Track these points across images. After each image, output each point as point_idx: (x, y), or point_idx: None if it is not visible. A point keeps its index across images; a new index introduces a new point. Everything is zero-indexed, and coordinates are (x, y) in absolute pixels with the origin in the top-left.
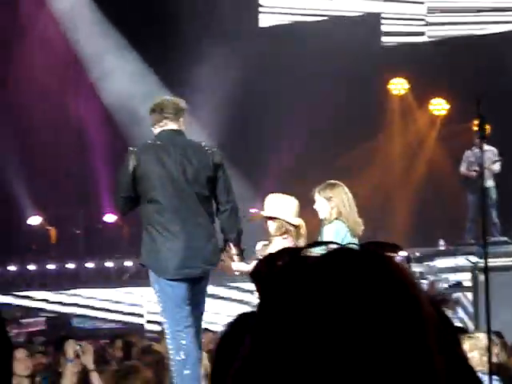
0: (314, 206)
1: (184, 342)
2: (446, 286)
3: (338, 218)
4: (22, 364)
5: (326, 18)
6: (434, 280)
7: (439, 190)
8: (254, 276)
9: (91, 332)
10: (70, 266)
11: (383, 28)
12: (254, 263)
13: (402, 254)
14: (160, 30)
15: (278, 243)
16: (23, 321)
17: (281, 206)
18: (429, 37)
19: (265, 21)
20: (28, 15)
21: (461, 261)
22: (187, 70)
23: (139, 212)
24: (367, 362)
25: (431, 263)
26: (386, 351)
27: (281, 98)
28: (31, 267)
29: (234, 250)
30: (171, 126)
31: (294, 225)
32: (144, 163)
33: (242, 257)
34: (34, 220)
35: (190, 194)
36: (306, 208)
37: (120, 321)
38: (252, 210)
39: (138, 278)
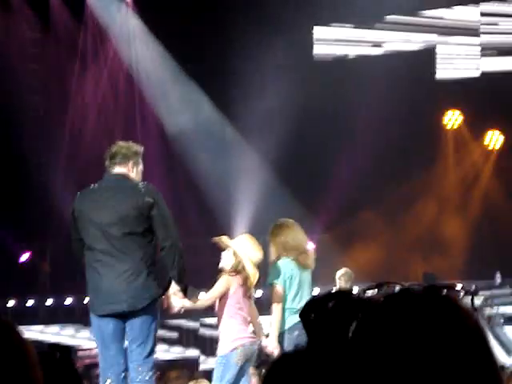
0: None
1: (109, 381)
2: (502, 320)
3: (287, 255)
4: None
5: (380, 51)
6: (491, 314)
7: (495, 222)
8: (303, 316)
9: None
10: None
11: (438, 61)
12: (201, 300)
13: (468, 287)
14: (213, 65)
15: (225, 279)
16: (80, 353)
17: (248, 249)
18: (483, 70)
19: (319, 53)
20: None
21: None
22: (244, 105)
23: None
24: None
25: (488, 296)
26: None
27: (335, 132)
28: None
29: (176, 287)
30: (118, 169)
31: (246, 271)
32: (78, 206)
33: (185, 294)
34: None
35: (117, 235)
36: (358, 242)
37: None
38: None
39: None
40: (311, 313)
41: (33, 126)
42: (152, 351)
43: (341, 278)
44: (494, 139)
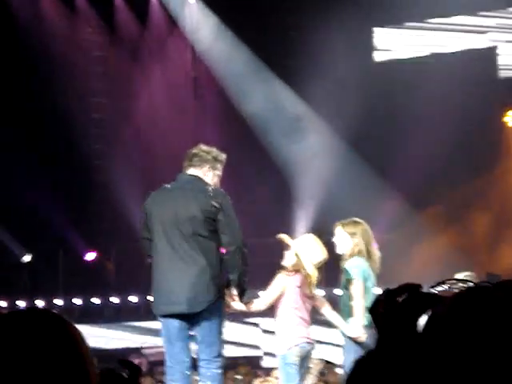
0: (334, 239)
1: (170, 378)
2: None
3: (359, 255)
4: None
5: (442, 51)
6: None
7: None
8: (372, 311)
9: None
10: None
11: (500, 60)
12: (256, 304)
13: None
14: (279, 68)
15: (281, 279)
16: (144, 351)
17: (310, 249)
18: None
19: (379, 57)
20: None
21: None
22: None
23: None
24: None
25: None
26: None
27: (396, 132)
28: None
29: (234, 291)
30: (192, 171)
31: (306, 270)
32: (149, 205)
33: (242, 297)
34: None
35: (183, 236)
36: (421, 241)
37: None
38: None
39: None
40: (380, 307)
41: (98, 128)
42: (221, 351)
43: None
44: None
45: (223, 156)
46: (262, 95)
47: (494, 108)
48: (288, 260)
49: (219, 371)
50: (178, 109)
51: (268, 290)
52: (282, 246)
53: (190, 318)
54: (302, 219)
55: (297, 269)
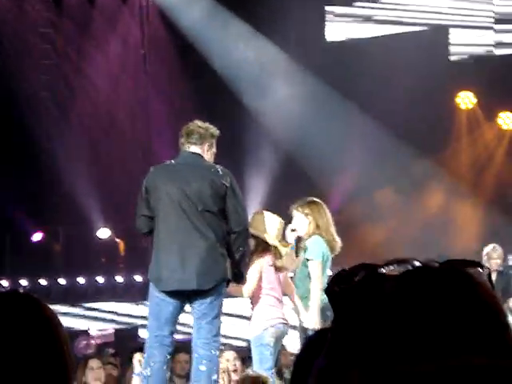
0: (292, 224)
1: (152, 360)
2: None
3: (316, 233)
4: (95, 374)
5: (392, 32)
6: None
7: (508, 204)
8: (328, 291)
9: None
10: (138, 278)
11: (451, 41)
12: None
13: (485, 269)
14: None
15: (255, 264)
16: (92, 333)
17: (263, 224)
18: (496, 46)
19: (331, 34)
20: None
21: None
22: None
23: None
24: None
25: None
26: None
27: (343, 113)
28: (100, 279)
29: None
30: (193, 149)
31: (270, 245)
32: (153, 181)
33: (240, 279)
34: (103, 233)
35: (194, 211)
36: (370, 222)
37: (187, 333)
38: None
39: None
40: (336, 287)
41: (47, 108)
42: (219, 330)
43: (492, 255)
44: (507, 121)
45: (218, 131)
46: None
47: (445, 89)
48: (251, 245)
49: (217, 353)
50: (128, 86)
51: (248, 276)
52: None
53: (196, 295)
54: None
55: (263, 248)
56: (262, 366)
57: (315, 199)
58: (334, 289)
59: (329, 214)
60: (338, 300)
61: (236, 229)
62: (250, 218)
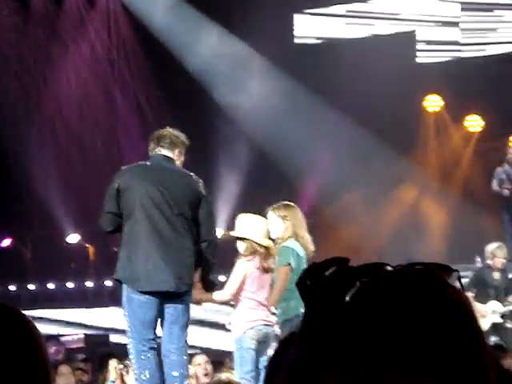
0: (269, 225)
1: (148, 362)
2: None
3: (292, 237)
4: (66, 380)
5: (361, 36)
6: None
7: (476, 206)
8: (299, 285)
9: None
10: (108, 283)
11: (418, 46)
12: (219, 294)
13: (455, 273)
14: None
15: (241, 265)
16: (62, 338)
17: (251, 227)
18: (463, 53)
19: (300, 37)
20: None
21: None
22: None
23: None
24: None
25: (467, 280)
26: (445, 366)
27: (314, 115)
28: (70, 285)
29: (200, 282)
30: (165, 153)
31: (263, 246)
32: (127, 181)
33: (211, 289)
34: (73, 238)
35: (170, 215)
36: (339, 227)
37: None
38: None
39: None
40: (307, 281)
41: (11, 112)
42: (186, 336)
43: (497, 253)
44: (474, 123)
45: (188, 141)
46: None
47: (413, 93)
48: (241, 248)
49: (187, 358)
50: (97, 89)
51: (230, 278)
52: (231, 241)
53: (170, 299)
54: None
55: (253, 251)
56: (241, 368)
57: (291, 203)
58: (304, 282)
59: (303, 219)
60: (308, 293)
61: (208, 237)
62: (237, 223)
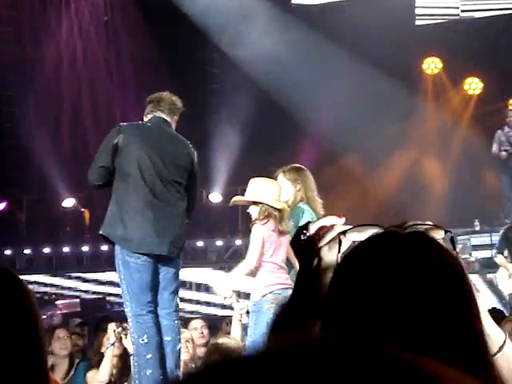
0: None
1: (146, 326)
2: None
3: (303, 201)
4: (62, 344)
5: None
6: (469, 260)
7: (474, 169)
8: (293, 243)
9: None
10: (104, 247)
11: (417, 6)
12: (243, 267)
13: (448, 234)
14: None
15: (258, 230)
16: (58, 302)
17: (263, 190)
18: (462, 14)
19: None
20: None
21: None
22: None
23: (113, 184)
24: (417, 336)
25: (466, 243)
26: (435, 323)
27: (311, 76)
28: (66, 249)
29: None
30: (164, 116)
31: (277, 208)
32: (126, 139)
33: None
34: (68, 202)
35: (167, 179)
36: (337, 189)
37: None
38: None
39: None
40: (302, 237)
41: (5, 75)
42: (177, 301)
43: None
44: (473, 86)
45: (183, 109)
46: None
47: (411, 55)
48: (254, 213)
49: (179, 322)
50: (91, 55)
51: (251, 245)
52: (242, 207)
53: (163, 264)
54: None
55: (267, 214)
56: (255, 330)
57: (301, 166)
58: (299, 239)
59: (314, 182)
60: (302, 250)
61: (191, 210)
62: (249, 185)
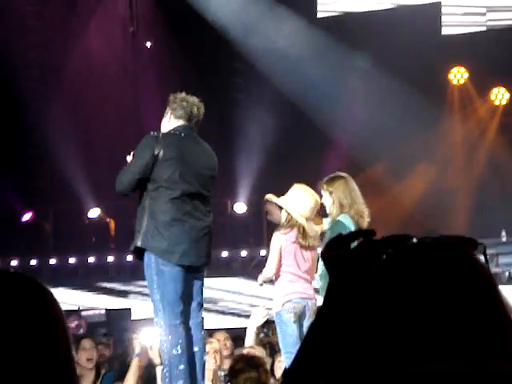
0: (322, 201)
1: (180, 337)
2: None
3: (343, 213)
4: (88, 354)
5: (386, 7)
6: (496, 272)
7: (500, 180)
8: (324, 256)
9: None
10: (129, 258)
11: (443, 17)
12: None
13: (480, 246)
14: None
15: (276, 239)
16: (83, 313)
17: (296, 199)
18: (489, 23)
19: (322, 12)
20: None
21: None
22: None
23: (144, 196)
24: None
25: (493, 254)
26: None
27: (338, 87)
28: (91, 259)
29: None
30: (191, 126)
31: (299, 222)
32: (169, 150)
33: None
34: (94, 212)
35: (201, 191)
36: (366, 197)
37: None
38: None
39: None
40: (332, 252)
41: (35, 84)
42: (203, 312)
43: None
44: (499, 96)
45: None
46: None
47: (438, 65)
48: (280, 218)
49: (204, 334)
50: (117, 64)
51: (269, 254)
52: (272, 206)
53: (192, 274)
54: None
55: (292, 224)
56: (284, 342)
57: (340, 173)
58: (329, 253)
59: (355, 188)
60: (332, 264)
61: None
62: (290, 189)
